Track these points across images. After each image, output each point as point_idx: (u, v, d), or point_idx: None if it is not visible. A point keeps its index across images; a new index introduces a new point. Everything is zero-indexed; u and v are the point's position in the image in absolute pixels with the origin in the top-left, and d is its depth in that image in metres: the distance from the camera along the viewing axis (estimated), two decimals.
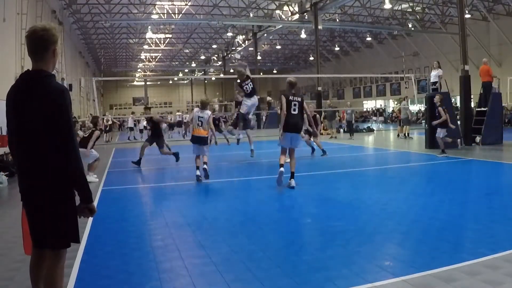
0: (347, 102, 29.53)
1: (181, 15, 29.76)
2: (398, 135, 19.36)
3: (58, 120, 2.43)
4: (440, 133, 11.57)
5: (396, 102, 41.49)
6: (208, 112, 8.84)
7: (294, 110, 7.51)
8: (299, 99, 7.61)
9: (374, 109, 44.66)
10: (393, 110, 41.11)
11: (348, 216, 5.43)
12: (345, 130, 22.24)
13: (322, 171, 9.82)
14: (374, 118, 40.79)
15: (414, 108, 36.64)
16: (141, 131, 25.19)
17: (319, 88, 26.78)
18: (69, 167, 2.49)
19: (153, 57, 50.30)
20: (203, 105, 8.90)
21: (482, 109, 14.44)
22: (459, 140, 12.86)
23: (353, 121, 21.83)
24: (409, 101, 19.32)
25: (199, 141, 8.59)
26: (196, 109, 9.02)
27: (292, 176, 7.41)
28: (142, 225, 5.40)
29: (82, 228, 5.01)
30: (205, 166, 8.52)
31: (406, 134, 19.00)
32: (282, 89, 9.76)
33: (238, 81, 10.90)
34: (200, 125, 8.61)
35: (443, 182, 7.94)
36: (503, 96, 16.80)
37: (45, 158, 2.47)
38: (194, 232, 4.94)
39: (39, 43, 2.52)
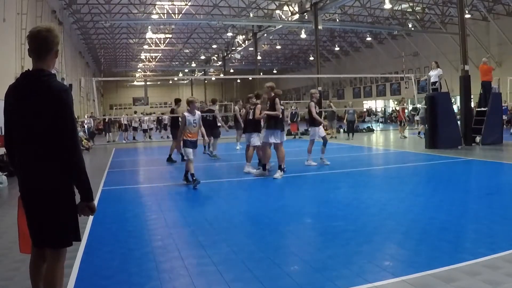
0: (349, 102, 29.48)
1: (181, 15, 29.74)
2: (413, 133, 19.25)
3: (61, 119, 2.44)
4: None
5: (396, 103, 41.47)
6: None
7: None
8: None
9: (368, 109, 44.63)
10: (393, 110, 41.11)
11: (348, 216, 5.43)
12: (345, 130, 22.20)
13: (322, 171, 9.81)
14: (368, 118, 40.75)
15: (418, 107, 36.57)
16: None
17: (319, 88, 26.74)
18: (71, 165, 2.50)
19: (153, 57, 50.29)
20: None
21: (482, 109, 14.44)
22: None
23: (355, 121, 21.68)
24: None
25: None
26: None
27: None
28: (142, 225, 5.40)
29: (82, 228, 5.00)
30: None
31: (404, 134, 18.98)
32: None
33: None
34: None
35: (443, 182, 7.93)
36: (503, 96, 16.81)
37: (47, 156, 2.47)
38: (194, 232, 4.94)
39: (43, 44, 2.52)
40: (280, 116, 8.82)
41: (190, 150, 7.95)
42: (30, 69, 2.56)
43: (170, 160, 12.21)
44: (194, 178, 7.74)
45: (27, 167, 2.52)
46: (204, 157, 12.78)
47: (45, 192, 2.49)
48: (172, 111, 13.34)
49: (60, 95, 2.45)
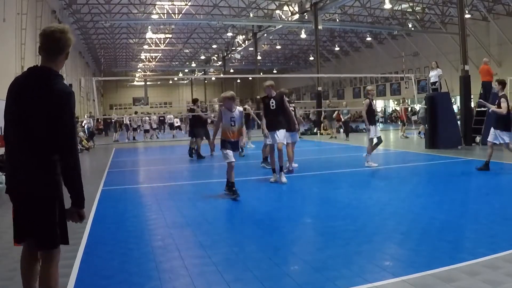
0: (343, 102, 29.38)
1: (181, 15, 29.73)
2: (403, 135, 19.26)
3: (61, 122, 2.42)
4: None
5: (396, 103, 41.47)
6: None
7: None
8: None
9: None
10: (393, 110, 41.10)
11: (348, 216, 5.43)
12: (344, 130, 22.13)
13: (322, 171, 9.82)
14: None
15: (416, 108, 36.63)
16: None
17: (319, 88, 26.75)
18: (67, 170, 2.48)
19: (153, 57, 50.27)
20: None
21: (482, 109, 14.43)
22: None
23: (349, 122, 21.50)
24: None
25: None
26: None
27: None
28: (142, 225, 5.40)
29: (82, 228, 5.01)
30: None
31: (405, 134, 18.97)
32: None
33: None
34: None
35: (443, 182, 7.94)
36: None
37: (43, 156, 2.45)
38: (194, 232, 4.94)
39: (56, 45, 2.51)
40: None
41: (229, 152, 6.78)
42: (39, 66, 2.54)
43: (199, 156, 12.81)
44: (234, 189, 6.71)
45: (20, 164, 2.48)
46: (206, 157, 12.78)
47: (36, 190, 2.46)
48: (192, 111, 13.90)
49: (62, 98, 2.44)
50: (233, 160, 6.79)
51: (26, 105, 2.44)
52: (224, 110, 6.99)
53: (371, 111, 10.02)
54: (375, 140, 10.03)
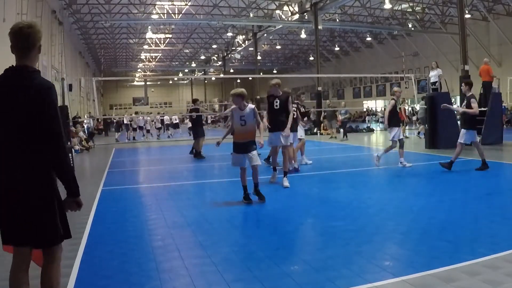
0: (342, 102, 29.39)
1: (181, 15, 29.75)
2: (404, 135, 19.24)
3: (45, 117, 2.43)
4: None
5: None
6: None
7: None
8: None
9: (367, 109, 44.46)
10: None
11: (348, 216, 5.43)
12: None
13: (322, 171, 9.82)
14: (368, 117, 40.61)
15: (416, 108, 36.61)
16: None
17: (319, 88, 26.75)
18: (57, 162, 2.48)
19: (153, 57, 50.31)
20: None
21: (482, 109, 14.42)
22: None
23: (347, 122, 21.45)
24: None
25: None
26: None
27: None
28: (142, 225, 5.40)
29: (82, 228, 5.02)
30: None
31: (405, 134, 18.96)
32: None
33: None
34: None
35: (443, 182, 7.94)
36: (503, 96, 16.80)
37: (32, 153, 2.45)
38: (194, 232, 4.94)
39: (26, 41, 2.52)
40: (295, 116, 8.53)
41: (234, 157, 6.42)
42: (14, 65, 2.54)
43: (199, 156, 12.69)
44: (247, 193, 6.37)
45: (11, 163, 2.47)
46: (206, 157, 12.75)
47: (31, 187, 2.45)
48: (197, 110, 14.00)
49: (43, 93, 2.45)
50: (243, 165, 6.36)
51: (8, 106, 2.44)
52: (234, 110, 6.47)
53: (395, 112, 9.79)
54: (397, 143, 9.84)
